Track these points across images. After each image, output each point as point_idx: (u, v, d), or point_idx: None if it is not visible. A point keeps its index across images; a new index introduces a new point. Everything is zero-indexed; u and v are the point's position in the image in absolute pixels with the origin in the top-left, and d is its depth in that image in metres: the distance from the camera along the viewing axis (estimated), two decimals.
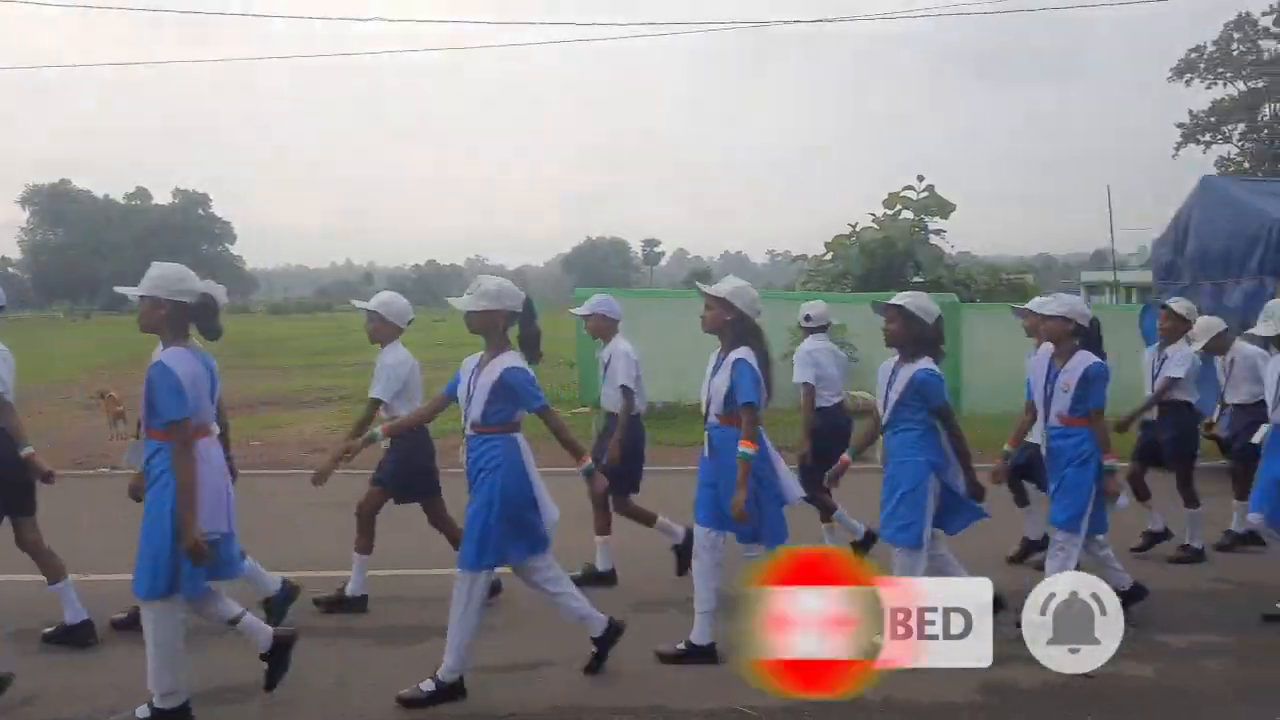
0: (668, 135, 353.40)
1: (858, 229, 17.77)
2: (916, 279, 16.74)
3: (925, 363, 4.93)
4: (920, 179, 17.67)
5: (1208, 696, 4.54)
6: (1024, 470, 6.20)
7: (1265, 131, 51.04)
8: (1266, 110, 51.06)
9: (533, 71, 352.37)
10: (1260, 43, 50.89)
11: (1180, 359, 6.63)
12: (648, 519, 6.24)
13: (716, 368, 4.86)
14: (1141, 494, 6.73)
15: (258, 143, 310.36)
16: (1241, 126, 51.48)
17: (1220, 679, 4.74)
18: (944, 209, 17.31)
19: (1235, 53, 51.28)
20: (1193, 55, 51.95)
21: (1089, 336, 5.29)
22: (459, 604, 4.37)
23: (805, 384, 6.48)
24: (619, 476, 5.88)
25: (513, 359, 4.47)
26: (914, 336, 4.97)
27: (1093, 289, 49.47)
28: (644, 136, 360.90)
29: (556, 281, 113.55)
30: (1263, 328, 5.58)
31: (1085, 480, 5.16)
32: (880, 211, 17.98)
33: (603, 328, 6.29)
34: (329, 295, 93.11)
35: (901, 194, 17.73)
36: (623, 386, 6.03)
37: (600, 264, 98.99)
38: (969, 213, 17.97)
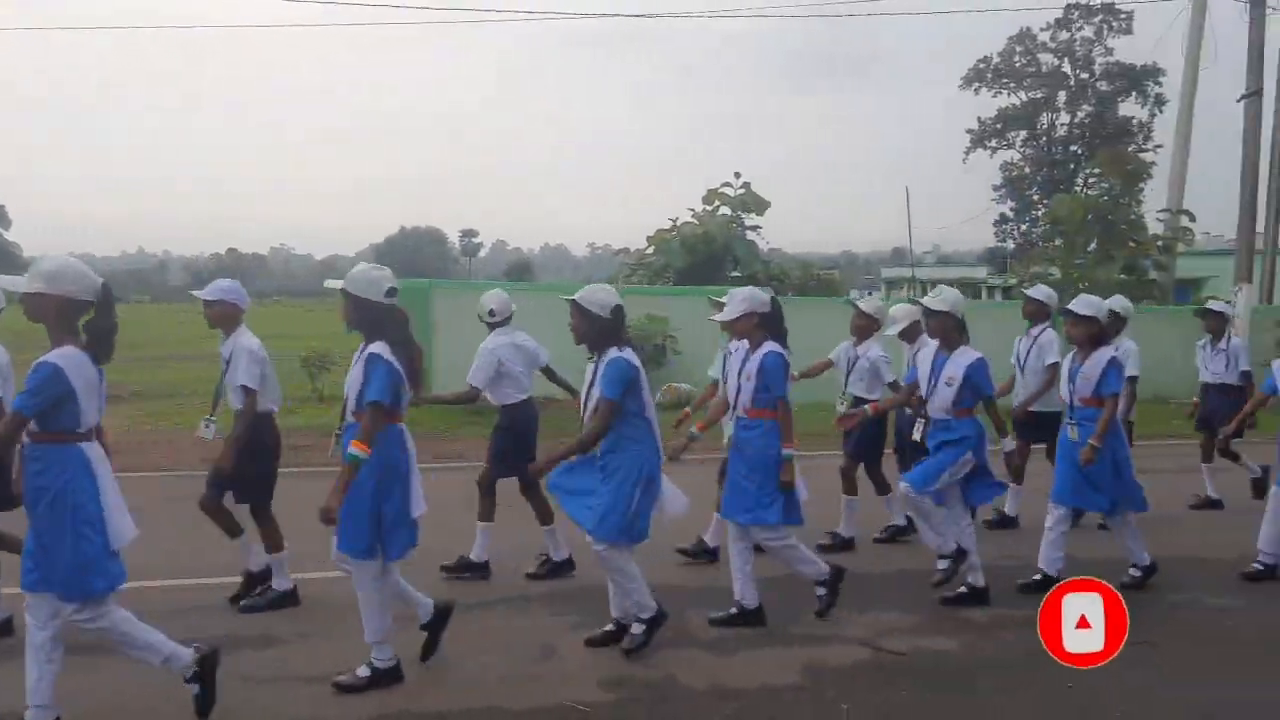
0: (487, 125, 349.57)
1: (678, 224, 18.08)
2: (735, 274, 17.18)
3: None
4: (737, 176, 18.16)
5: (1007, 665, 4.83)
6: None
7: (1044, 139, 55.27)
8: (1045, 119, 55.30)
9: (342, 52, 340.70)
10: (1039, 56, 55.08)
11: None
12: (234, 531, 5.60)
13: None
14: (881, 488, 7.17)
15: (35, 122, 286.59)
16: (1024, 134, 55.53)
17: (1019, 649, 5.03)
18: (760, 206, 17.84)
19: (1018, 64, 55.28)
20: (980, 65, 55.65)
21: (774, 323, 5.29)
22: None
23: (472, 386, 6.04)
24: (248, 482, 5.44)
25: (59, 355, 3.66)
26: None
27: (893, 285, 52.37)
28: (462, 125, 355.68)
29: None
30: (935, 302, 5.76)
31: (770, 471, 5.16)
32: (700, 207, 18.35)
33: (226, 317, 5.52)
34: (119, 284, 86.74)
35: (719, 190, 18.15)
36: (243, 386, 5.34)
37: (415, 254, 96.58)
38: (780, 210, 18.60)
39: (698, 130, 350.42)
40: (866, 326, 6.96)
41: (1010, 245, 55.56)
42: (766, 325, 5.25)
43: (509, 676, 4.62)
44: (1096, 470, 5.68)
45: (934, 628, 5.34)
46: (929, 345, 5.93)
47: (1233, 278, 14.81)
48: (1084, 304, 5.91)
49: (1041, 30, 54.53)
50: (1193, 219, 16.52)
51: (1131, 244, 16.10)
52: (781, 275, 17.69)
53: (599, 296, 4.80)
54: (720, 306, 5.58)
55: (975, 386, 5.55)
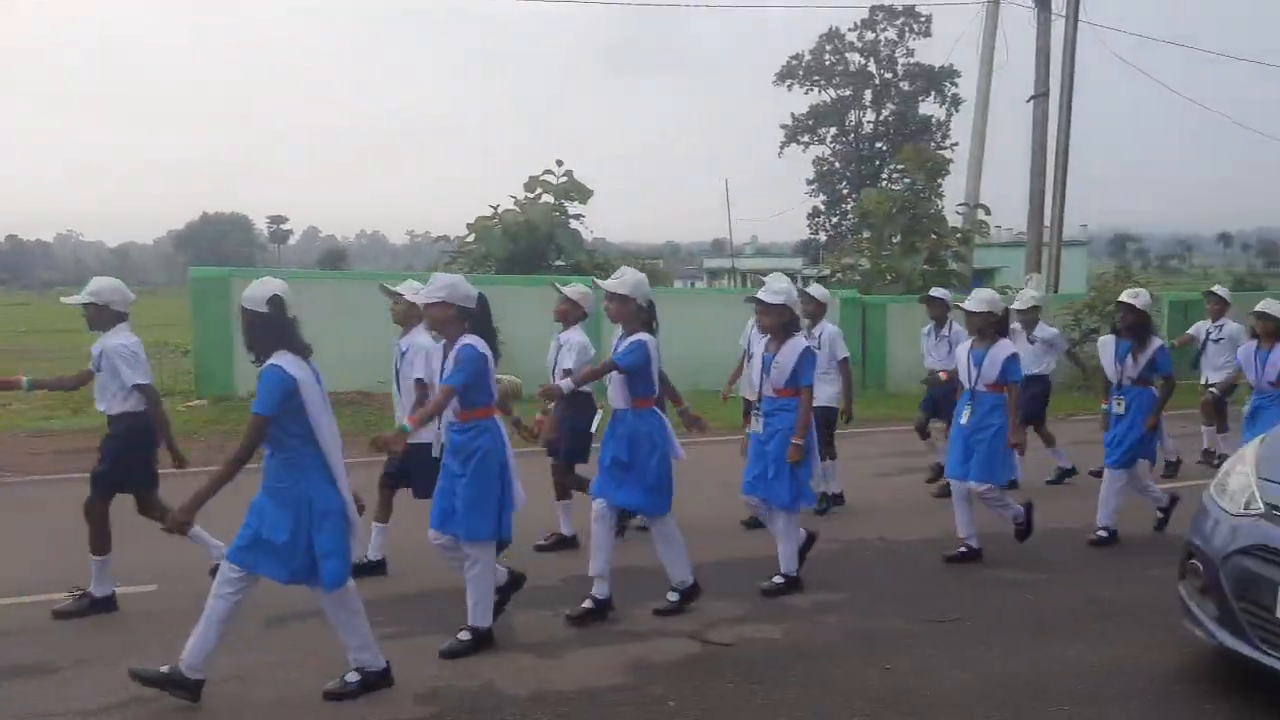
0: (297, 107, 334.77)
1: (500, 211, 17.71)
2: (559, 262, 16.98)
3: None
4: (559, 163, 17.93)
5: (827, 649, 4.87)
6: None
7: (852, 136, 57.74)
8: (853, 117, 57.77)
9: (131, 29, 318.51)
10: (847, 55, 57.47)
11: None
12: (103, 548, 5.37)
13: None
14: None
15: None
16: (834, 130, 57.83)
17: (839, 632, 5.11)
18: (583, 194, 17.69)
19: (827, 63, 57.48)
20: (793, 62, 57.57)
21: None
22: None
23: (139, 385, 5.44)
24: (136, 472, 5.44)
25: None
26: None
27: (715, 275, 53.57)
28: (271, 106, 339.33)
29: (167, 260, 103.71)
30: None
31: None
32: (522, 195, 18.03)
33: (103, 318, 5.35)
34: None
35: (542, 178, 17.89)
36: (137, 385, 5.27)
37: (219, 241, 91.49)
38: (603, 200, 18.49)
39: (518, 117, 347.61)
40: (816, 311, 7.50)
41: (822, 237, 57.83)
42: (469, 317, 4.81)
43: (313, 693, 4.28)
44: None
45: (759, 616, 5.33)
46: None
47: (1024, 268, 15.86)
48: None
49: (849, 30, 56.94)
50: (988, 212, 17.54)
51: (934, 236, 16.94)
52: (606, 264, 17.63)
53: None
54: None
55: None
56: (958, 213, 17.49)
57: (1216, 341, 9.60)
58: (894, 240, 17.36)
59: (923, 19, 55.42)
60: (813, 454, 5.76)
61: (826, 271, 18.65)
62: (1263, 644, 3.99)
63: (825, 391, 7.28)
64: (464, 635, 4.78)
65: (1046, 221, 16.86)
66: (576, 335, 6.55)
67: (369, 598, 5.49)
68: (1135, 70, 27.89)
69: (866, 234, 18.79)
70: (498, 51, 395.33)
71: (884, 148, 56.14)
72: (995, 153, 18.36)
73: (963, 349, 6.56)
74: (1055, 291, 16.79)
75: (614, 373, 5.15)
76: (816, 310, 7.50)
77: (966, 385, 6.37)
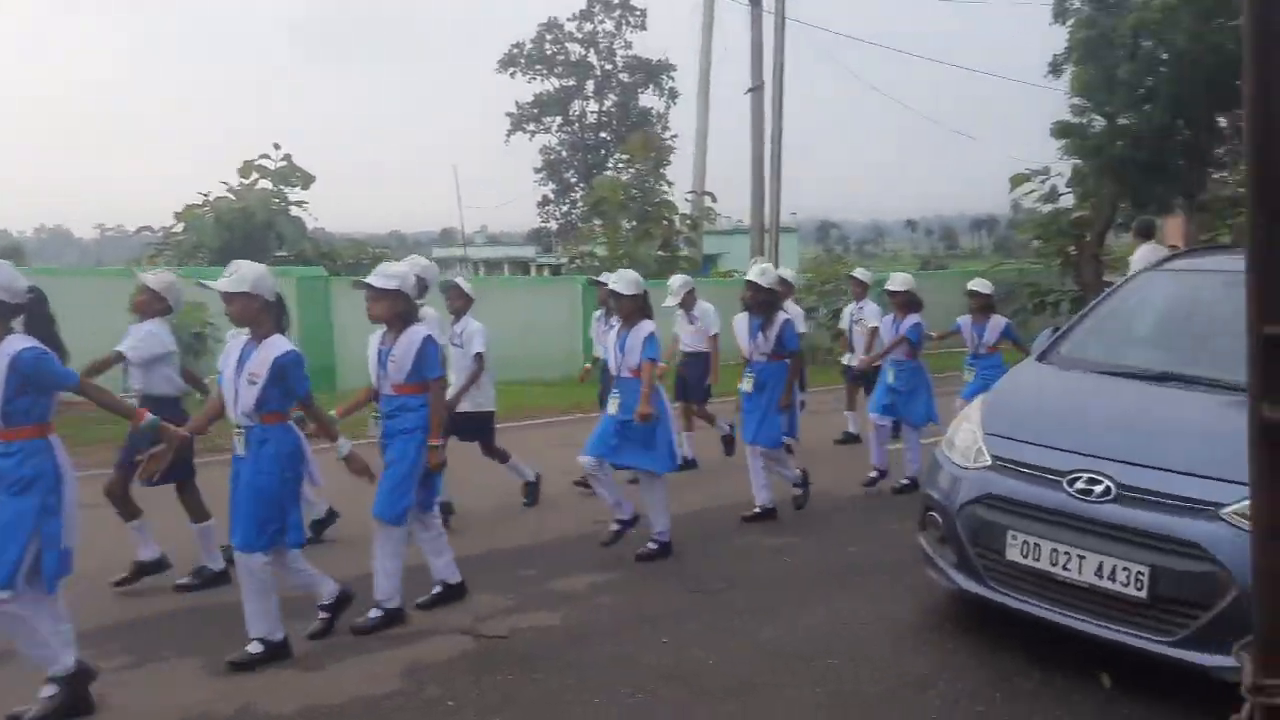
0: None
1: (211, 198, 16.39)
2: (280, 252, 15.97)
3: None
4: (277, 147, 16.83)
5: (604, 630, 4.87)
6: None
7: (577, 125, 58.58)
8: (577, 106, 58.61)
9: None
10: (568, 45, 58.19)
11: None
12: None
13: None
14: None
15: None
16: (559, 119, 58.42)
17: (614, 612, 5.13)
18: (305, 180, 16.70)
19: (548, 52, 57.95)
20: (514, 51, 57.57)
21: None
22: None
23: None
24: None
25: None
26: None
27: (445, 265, 52.61)
28: None
29: None
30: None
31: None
32: (236, 180, 16.77)
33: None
34: None
35: (258, 162, 16.73)
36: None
37: None
38: (324, 187, 17.51)
39: (223, 100, 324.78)
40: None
41: (553, 225, 58.36)
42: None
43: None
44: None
45: (533, 605, 5.25)
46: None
47: (749, 253, 16.72)
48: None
49: (569, 20, 57.68)
50: (715, 200, 18.35)
51: (665, 222, 17.48)
52: (332, 254, 16.80)
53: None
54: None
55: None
56: (687, 200, 18.15)
57: (858, 323, 9.56)
58: (629, 227, 17.75)
59: (638, 12, 57.16)
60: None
61: (566, 259, 18.76)
62: (996, 584, 4.39)
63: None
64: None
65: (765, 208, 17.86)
66: (148, 327, 5.61)
67: (104, 624, 4.95)
68: (837, 66, 29.95)
69: (597, 222, 19.08)
70: (197, 33, 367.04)
71: (608, 138, 57.42)
72: (720, 142, 19.23)
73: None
74: None
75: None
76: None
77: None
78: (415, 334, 5.04)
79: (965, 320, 8.44)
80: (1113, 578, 3.98)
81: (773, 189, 18.01)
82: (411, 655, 4.59)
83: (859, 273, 10.06)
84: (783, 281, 8.07)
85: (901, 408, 7.79)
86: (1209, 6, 15.15)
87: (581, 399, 12.27)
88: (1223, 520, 3.81)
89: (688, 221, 17.74)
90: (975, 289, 8.43)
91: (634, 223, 17.50)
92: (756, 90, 17.46)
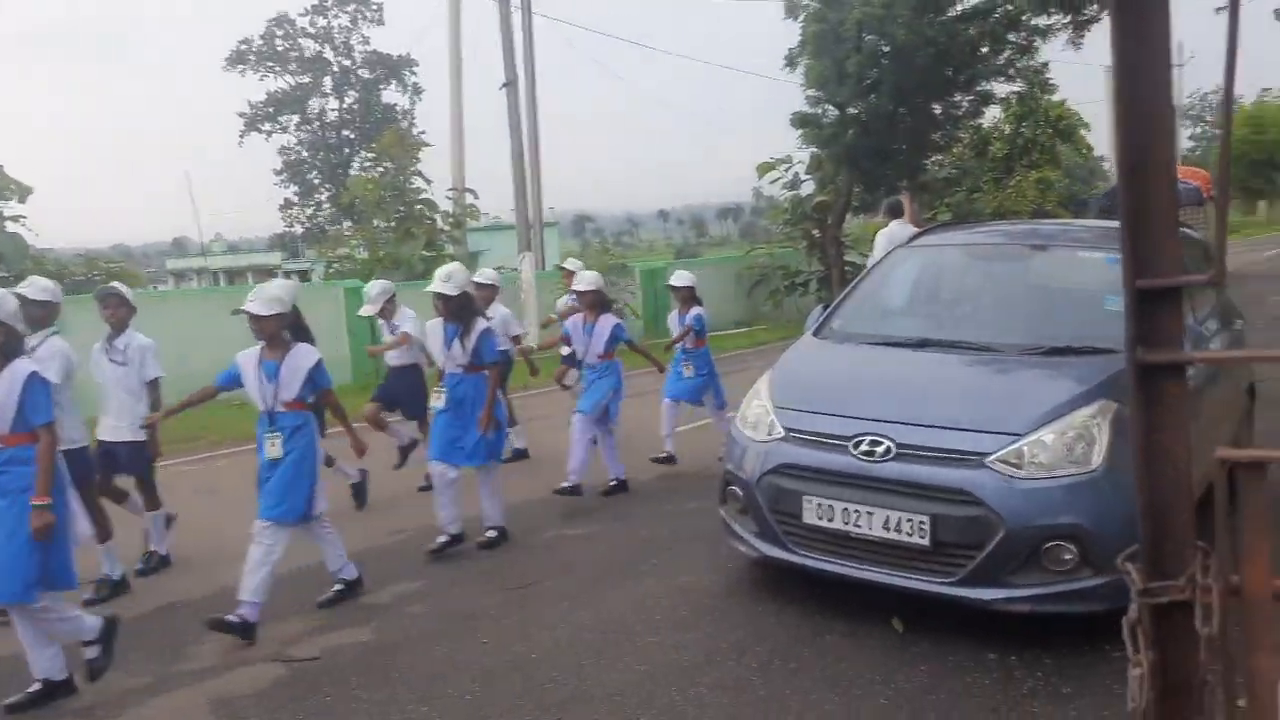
0: None
1: None
2: (1, 274, 14.39)
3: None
4: None
5: (422, 638, 4.79)
6: None
7: (317, 124, 56.23)
8: (315, 104, 56.25)
9: None
10: (301, 41, 55.70)
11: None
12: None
13: None
14: None
15: None
16: (297, 118, 55.84)
17: (428, 619, 5.06)
18: (21, 192, 15.14)
19: (280, 48, 55.25)
20: (243, 48, 54.49)
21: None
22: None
23: None
24: None
25: None
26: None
27: (181, 276, 49.09)
28: None
29: None
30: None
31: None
32: None
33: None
34: None
35: None
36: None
37: None
38: (44, 200, 15.92)
39: None
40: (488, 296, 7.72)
41: (299, 229, 55.76)
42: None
43: None
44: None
45: (341, 622, 5.08)
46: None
47: (516, 248, 16.72)
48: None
49: (300, 15, 55.24)
50: (476, 196, 18.18)
51: (428, 221, 17.16)
52: (60, 272, 15.30)
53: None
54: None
55: None
56: (448, 198, 17.89)
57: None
58: (386, 226, 17.28)
59: (375, 6, 55.57)
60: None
61: (323, 263, 18.02)
62: (796, 547, 4.69)
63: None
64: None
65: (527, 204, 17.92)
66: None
67: None
68: (587, 60, 30.42)
69: (348, 223, 18.37)
70: None
71: (352, 135, 55.51)
72: (479, 138, 19.08)
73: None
74: (543, 269, 17.94)
75: None
76: (488, 295, 7.82)
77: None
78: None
79: (674, 314, 8.42)
80: (899, 529, 4.35)
81: (533, 184, 18.10)
82: (219, 689, 4.35)
83: (571, 264, 9.66)
84: (480, 285, 7.54)
85: (701, 392, 8.20)
86: (922, 3, 16.60)
87: (353, 407, 11.86)
88: (988, 468, 4.26)
89: (450, 220, 17.50)
90: (675, 283, 8.37)
91: (391, 223, 17.06)
92: (510, 86, 17.46)
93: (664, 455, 7.95)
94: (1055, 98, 31.38)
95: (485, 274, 8.41)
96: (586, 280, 7.61)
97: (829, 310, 5.99)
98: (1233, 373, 5.82)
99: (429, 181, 17.76)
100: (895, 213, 11.63)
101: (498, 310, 8.08)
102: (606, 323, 7.41)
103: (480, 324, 6.27)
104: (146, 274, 50.91)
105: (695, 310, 8.16)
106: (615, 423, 7.45)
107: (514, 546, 6.22)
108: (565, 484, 6.89)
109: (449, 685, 4.24)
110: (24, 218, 15.43)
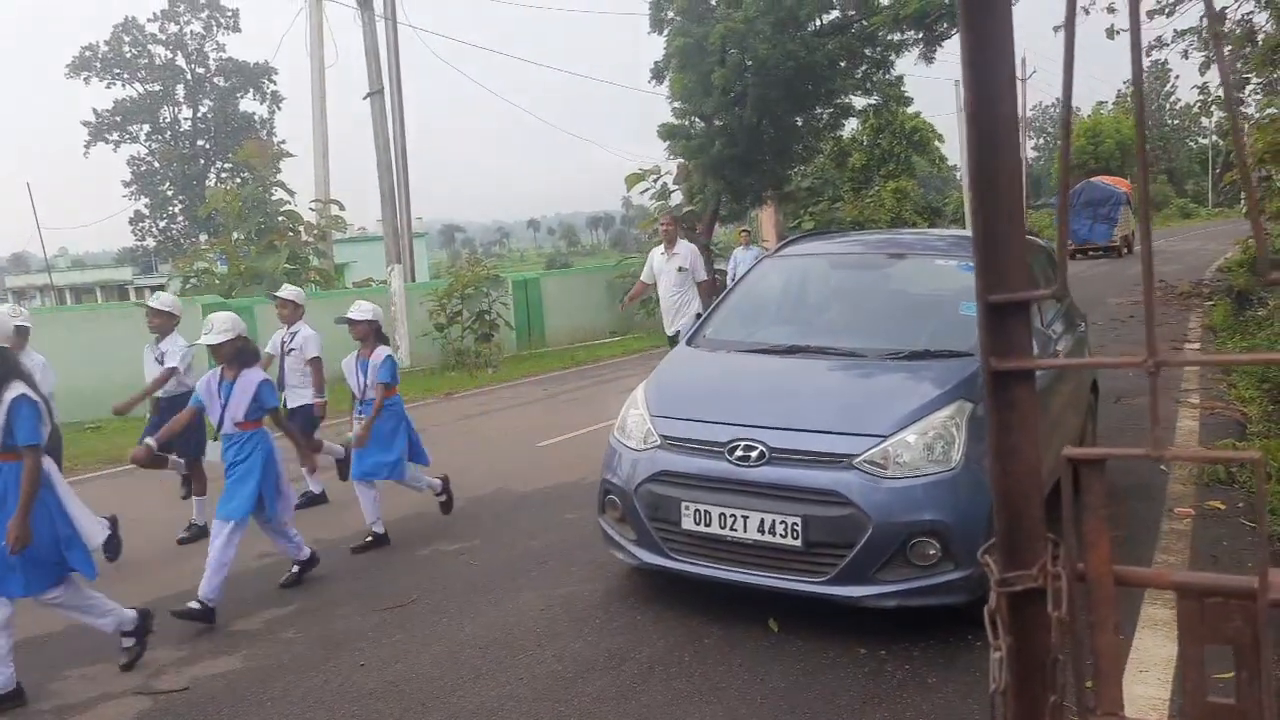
0: None
1: None
2: None
3: None
4: None
5: (295, 663, 4.65)
6: None
7: (169, 133, 53.91)
8: (167, 113, 53.92)
9: None
10: (151, 48, 53.34)
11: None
12: None
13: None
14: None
15: None
16: (147, 127, 53.42)
17: (301, 644, 4.91)
18: None
19: (128, 55, 52.79)
20: (87, 54, 51.84)
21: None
22: None
23: None
24: None
25: None
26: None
27: (21, 295, 46.26)
28: None
29: None
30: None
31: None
32: None
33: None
34: None
35: None
36: None
37: None
38: None
39: None
40: (166, 325, 7.05)
41: (151, 243, 53.30)
42: None
43: None
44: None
45: (209, 651, 4.88)
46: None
47: (385, 260, 16.40)
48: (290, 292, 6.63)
49: (149, 21, 52.93)
50: (342, 208, 17.76)
51: (291, 233, 16.67)
52: None
53: None
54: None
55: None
56: (312, 209, 17.42)
57: (291, 354, 7.46)
58: (247, 239, 16.72)
59: (229, 13, 53.70)
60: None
61: (180, 278, 17.27)
62: (675, 553, 4.76)
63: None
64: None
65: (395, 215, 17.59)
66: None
67: None
68: (454, 71, 30.23)
69: (206, 236, 17.71)
70: None
71: (207, 145, 53.47)
72: (344, 149, 18.65)
73: (349, 360, 6.54)
74: (414, 280, 17.67)
75: None
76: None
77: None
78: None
79: (352, 359, 6.59)
80: (773, 532, 4.47)
81: (401, 194, 17.80)
82: None
83: (288, 291, 7.72)
84: (282, 302, 7.49)
85: (400, 465, 6.48)
86: (783, 19, 17.09)
87: None
88: (855, 469, 4.42)
89: (315, 231, 17.05)
90: (355, 316, 6.48)
91: (253, 235, 16.51)
92: (376, 95, 17.13)
93: (368, 540, 6.41)
94: (910, 110, 32.82)
95: (287, 290, 7.74)
96: (361, 310, 6.50)
97: (701, 320, 6.11)
98: (1078, 371, 6.22)
99: (292, 193, 17.28)
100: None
101: (302, 330, 7.44)
102: (382, 357, 6.41)
103: (384, 351, 6.46)
104: None
105: (382, 352, 6.43)
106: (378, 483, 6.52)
107: (391, 564, 6.10)
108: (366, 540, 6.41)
109: (326, 712, 4.13)
110: None
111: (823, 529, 4.41)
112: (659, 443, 4.93)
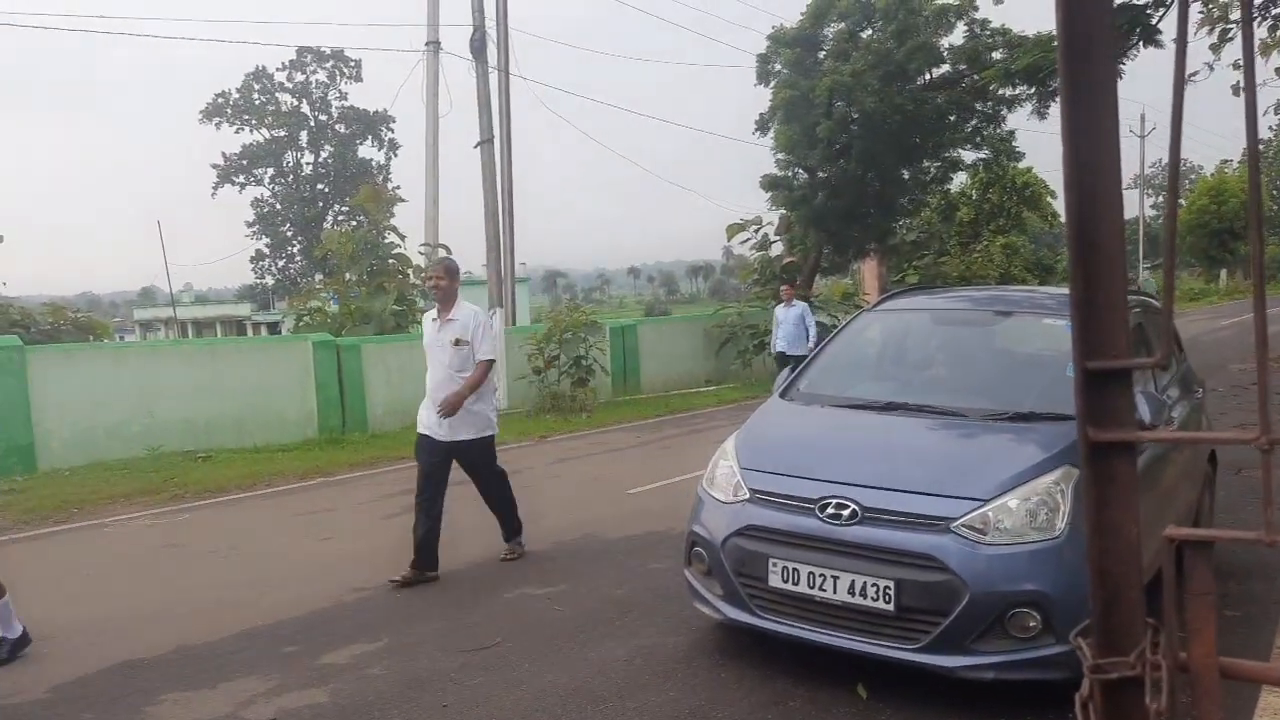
0: None
1: None
2: None
3: None
4: None
5: (379, 701, 4.68)
6: None
7: (291, 177, 56.40)
8: (291, 158, 56.48)
9: None
10: (278, 95, 56.09)
11: None
12: None
13: None
14: None
15: None
16: (271, 171, 56.01)
17: (387, 682, 4.94)
18: None
19: (257, 102, 55.60)
20: (220, 101, 54.77)
21: None
22: None
23: None
24: None
25: None
26: None
27: (148, 326, 48.66)
28: None
29: None
30: None
31: None
32: None
33: None
34: None
35: None
36: None
37: None
38: (10, 249, 15.85)
39: None
40: None
41: (269, 281, 55.60)
42: None
43: None
44: None
45: (297, 683, 4.96)
46: None
47: (488, 304, 16.73)
48: None
49: (278, 70, 55.71)
50: (449, 252, 18.20)
51: (400, 276, 17.17)
52: (26, 320, 15.14)
53: None
54: None
55: None
56: (420, 252, 17.92)
57: None
58: (358, 280, 17.28)
59: (352, 63, 56.15)
60: None
61: (294, 315, 17.92)
62: (761, 611, 4.66)
63: None
64: None
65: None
66: None
67: None
68: (561, 121, 30.83)
69: (321, 276, 18.34)
70: None
71: (326, 189, 55.71)
72: (452, 194, 19.18)
73: None
74: (514, 324, 17.95)
75: None
76: None
77: None
78: None
79: None
80: (864, 594, 4.34)
81: (506, 240, 18.17)
82: None
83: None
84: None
85: None
86: (892, 72, 17.00)
87: (322, 462, 11.76)
88: (953, 533, 4.26)
89: (423, 274, 17.52)
90: None
91: (364, 276, 17.06)
92: (486, 144, 17.60)
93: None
94: (1021, 165, 32.15)
95: None
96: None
97: (796, 372, 6.03)
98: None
99: (403, 236, 17.81)
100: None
101: None
102: None
103: None
104: (113, 323, 50.50)
105: None
106: None
107: (478, 605, 6.13)
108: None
109: None
110: None
111: (917, 594, 4.26)
112: (748, 496, 4.85)
